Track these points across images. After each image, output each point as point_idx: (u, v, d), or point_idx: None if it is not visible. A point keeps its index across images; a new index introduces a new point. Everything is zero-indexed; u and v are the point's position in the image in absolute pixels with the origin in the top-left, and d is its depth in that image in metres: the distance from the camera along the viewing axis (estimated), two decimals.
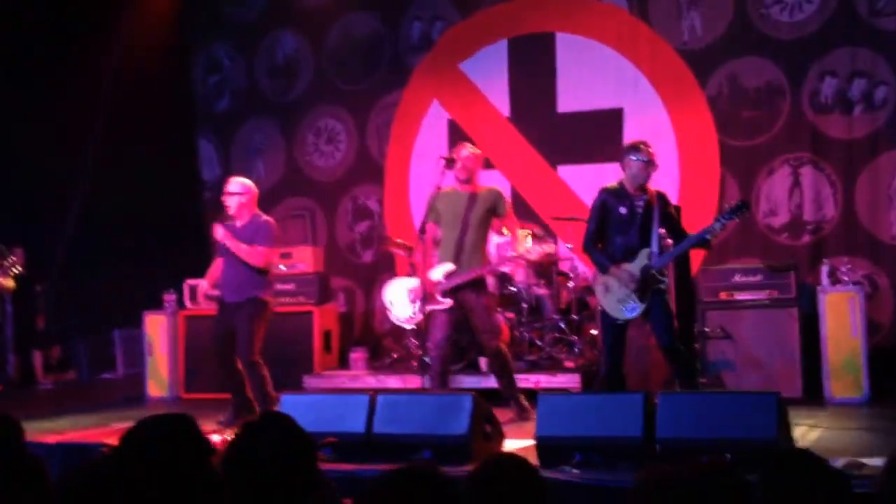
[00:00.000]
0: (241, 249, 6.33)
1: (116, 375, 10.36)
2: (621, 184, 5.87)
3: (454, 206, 6.18)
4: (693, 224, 6.26)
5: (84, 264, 10.26)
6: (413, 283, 6.40)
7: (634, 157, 5.78)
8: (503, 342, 6.53)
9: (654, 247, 5.73)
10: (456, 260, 6.13)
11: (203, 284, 6.88)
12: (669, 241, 5.98)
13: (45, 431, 6.31)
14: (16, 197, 9.42)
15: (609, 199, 5.85)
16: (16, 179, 9.58)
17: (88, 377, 10.50)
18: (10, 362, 10.12)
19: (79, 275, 10.37)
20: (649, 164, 5.77)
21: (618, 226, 5.81)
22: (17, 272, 6.94)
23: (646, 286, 5.69)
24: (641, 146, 5.84)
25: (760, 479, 2.89)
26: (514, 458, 2.44)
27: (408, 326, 6.66)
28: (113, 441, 5.11)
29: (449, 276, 6.13)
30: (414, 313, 6.37)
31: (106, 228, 10.13)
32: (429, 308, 6.15)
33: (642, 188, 5.82)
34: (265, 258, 6.38)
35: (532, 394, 6.67)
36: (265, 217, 6.58)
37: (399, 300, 6.48)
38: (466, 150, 6.30)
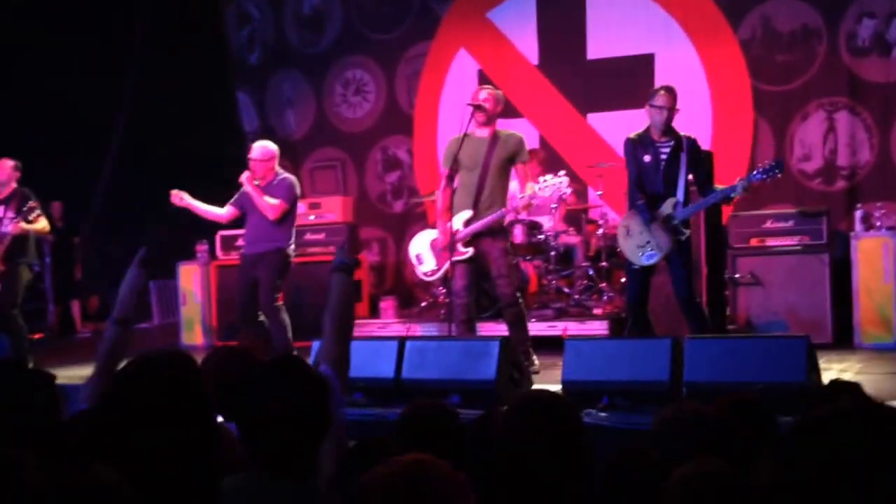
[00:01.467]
0: (259, 198, 6.39)
1: (152, 325, 10.48)
2: (647, 131, 5.74)
3: (473, 150, 5.95)
4: (725, 170, 6.17)
5: (120, 216, 10.36)
6: (435, 234, 6.27)
7: (653, 103, 5.68)
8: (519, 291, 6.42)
9: (681, 195, 5.61)
10: (474, 206, 5.93)
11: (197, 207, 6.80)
12: (697, 191, 5.81)
13: (84, 378, 6.38)
14: (54, 151, 9.48)
15: (636, 146, 5.73)
16: (54, 134, 9.64)
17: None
18: (50, 312, 10.29)
19: (115, 227, 10.47)
20: (665, 109, 5.63)
21: (643, 174, 5.70)
22: (35, 218, 6.96)
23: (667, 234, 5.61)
24: (661, 91, 5.71)
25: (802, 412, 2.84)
26: (551, 394, 2.42)
27: (432, 279, 6.56)
28: None
29: (467, 223, 5.95)
30: (437, 266, 6.28)
31: (142, 180, 10.19)
32: (452, 259, 5.99)
33: (669, 133, 5.69)
34: (279, 211, 6.39)
35: (557, 341, 6.67)
36: (287, 175, 6.61)
37: (425, 254, 6.40)
38: (486, 90, 6.13)
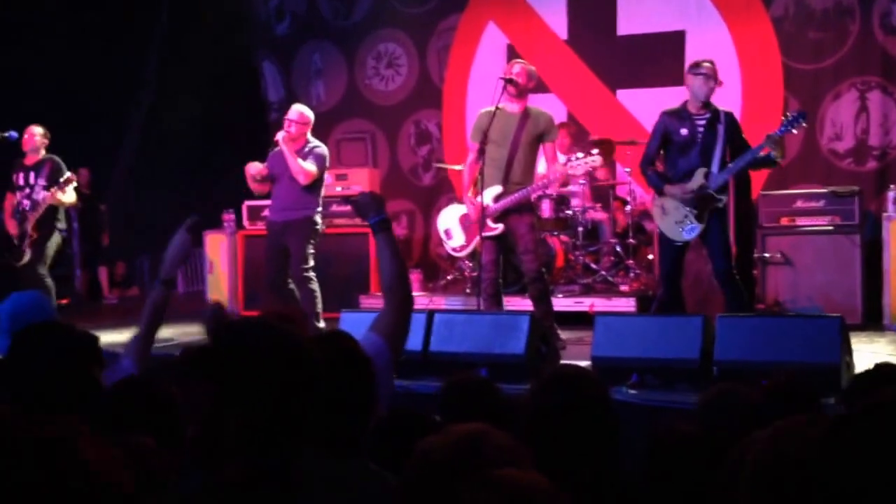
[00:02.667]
0: (293, 160, 6.31)
1: (178, 292, 10.51)
2: (684, 105, 5.66)
3: (504, 124, 5.86)
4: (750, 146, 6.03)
5: (146, 184, 10.36)
6: (464, 209, 6.19)
7: (694, 73, 5.58)
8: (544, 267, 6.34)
9: (715, 167, 5.52)
10: (504, 181, 5.86)
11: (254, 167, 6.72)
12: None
13: (112, 344, 6.42)
14: (81, 118, 9.46)
15: (669, 121, 5.65)
16: (81, 102, 9.62)
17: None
18: (77, 277, 10.32)
19: (141, 194, 10.49)
20: (709, 77, 5.53)
21: (679, 148, 5.61)
22: (71, 188, 6.99)
23: (703, 206, 5.52)
24: (702, 62, 5.63)
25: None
26: (579, 370, 2.37)
27: (461, 255, 6.48)
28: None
29: (497, 198, 5.86)
30: (466, 242, 6.20)
31: (168, 149, 10.19)
32: (482, 235, 5.92)
33: (706, 106, 5.59)
34: (311, 176, 6.33)
35: (583, 317, 6.62)
36: (319, 144, 6.56)
37: (454, 229, 6.33)
38: (519, 65, 6.03)
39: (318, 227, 6.47)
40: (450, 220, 6.37)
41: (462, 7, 9.27)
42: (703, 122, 5.58)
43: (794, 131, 5.54)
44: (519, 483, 1.40)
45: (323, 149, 6.51)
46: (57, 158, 7.19)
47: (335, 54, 9.98)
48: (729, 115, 5.64)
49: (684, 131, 5.58)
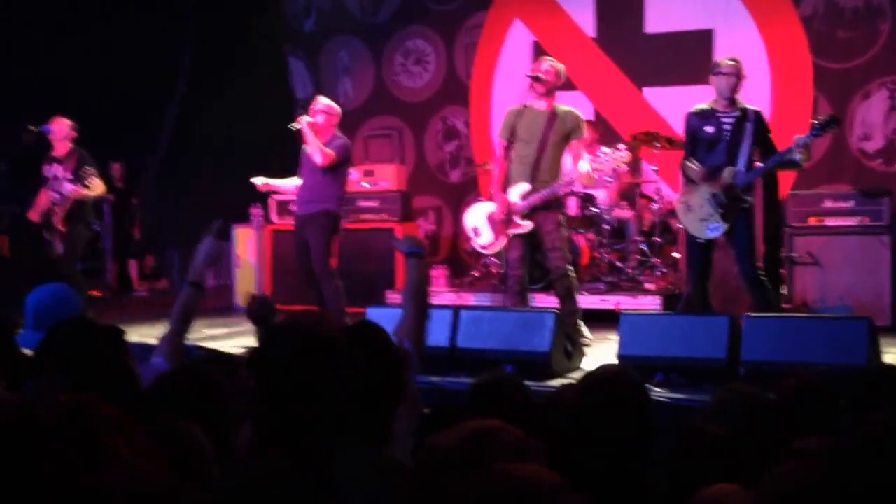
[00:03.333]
0: (313, 140, 6.29)
1: (206, 286, 10.54)
2: (711, 103, 5.58)
3: (531, 122, 5.83)
4: (783, 147, 5.96)
5: (177, 178, 10.42)
6: (492, 207, 6.15)
7: (715, 72, 5.51)
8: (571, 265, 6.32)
9: (741, 165, 5.44)
10: (532, 179, 5.82)
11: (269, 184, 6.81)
12: (759, 163, 5.62)
13: (143, 336, 6.47)
14: (114, 113, 9.53)
15: (695, 119, 5.58)
16: (114, 96, 9.69)
17: (180, 286, 10.71)
18: (108, 270, 10.40)
19: (172, 189, 10.55)
20: (730, 75, 5.45)
21: (705, 146, 5.53)
22: (92, 182, 7.03)
23: (729, 205, 5.45)
24: (720, 61, 5.57)
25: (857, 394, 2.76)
26: (622, 369, 2.39)
27: (489, 252, 6.45)
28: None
29: (525, 196, 5.83)
30: (494, 239, 6.16)
31: (197, 144, 10.24)
32: (510, 232, 5.91)
33: (733, 104, 5.52)
34: (329, 159, 6.28)
35: (608, 315, 6.58)
36: (343, 136, 6.55)
37: (482, 226, 6.28)
38: (547, 62, 5.99)
39: (338, 220, 6.44)
40: (478, 218, 6.32)
41: (488, 4, 9.24)
42: (730, 121, 5.50)
43: (825, 134, 5.47)
44: (526, 477, 1.40)
45: (345, 139, 6.50)
46: (84, 151, 7.21)
47: (363, 51, 9.98)
48: (758, 114, 5.55)
49: (710, 129, 5.51)
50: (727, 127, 5.49)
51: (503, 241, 6.02)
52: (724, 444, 2.33)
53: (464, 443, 1.61)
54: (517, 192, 5.84)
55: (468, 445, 1.60)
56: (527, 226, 5.83)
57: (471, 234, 6.38)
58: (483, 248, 6.35)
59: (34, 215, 7.18)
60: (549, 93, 5.87)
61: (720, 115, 5.52)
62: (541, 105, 5.85)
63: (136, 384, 2.46)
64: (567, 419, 2.32)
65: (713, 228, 5.49)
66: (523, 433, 1.68)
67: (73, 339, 2.45)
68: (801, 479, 1.53)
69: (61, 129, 7.19)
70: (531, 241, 5.97)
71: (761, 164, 5.53)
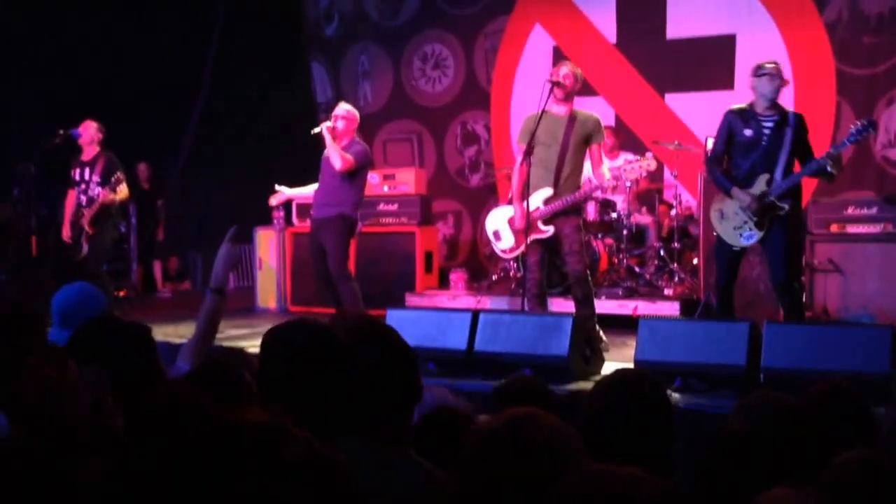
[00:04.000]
0: (333, 146, 6.31)
1: (229, 287, 10.57)
2: (751, 104, 5.42)
3: (551, 127, 5.78)
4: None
5: (201, 180, 10.47)
6: (512, 211, 6.07)
7: (759, 74, 5.35)
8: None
9: (778, 173, 5.30)
10: (554, 184, 5.78)
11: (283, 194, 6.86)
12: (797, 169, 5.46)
13: (167, 335, 6.51)
14: (140, 116, 9.59)
15: (735, 120, 5.42)
16: (139, 100, 9.75)
17: (203, 288, 10.77)
18: (133, 271, 10.46)
19: (196, 191, 10.60)
20: (773, 77, 5.31)
21: (742, 148, 5.40)
22: (119, 188, 7.11)
23: (763, 213, 5.34)
24: (764, 63, 5.41)
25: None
26: (641, 373, 2.39)
27: (510, 256, 6.41)
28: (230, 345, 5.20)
29: (548, 201, 5.78)
30: (515, 244, 6.12)
31: (222, 146, 10.29)
32: (532, 237, 5.84)
33: (774, 107, 5.38)
34: (348, 164, 6.29)
35: (627, 320, 6.52)
36: (362, 142, 6.56)
37: (503, 231, 6.24)
38: (566, 66, 5.94)
39: (354, 224, 6.44)
40: (499, 222, 6.29)
41: (509, 9, 9.23)
42: (769, 125, 5.36)
43: (862, 140, 5.35)
44: (620, 478, 1.40)
45: (365, 146, 6.53)
46: (111, 155, 7.27)
47: (382, 55, 10.00)
48: (798, 118, 5.40)
49: (749, 132, 5.38)
50: (767, 131, 5.34)
51: (523, 245, 5.98)
52: (754, 444, 2.29)
53: (504, 429, 1.64)
54: (539, 196, 5.80)
55: (510, 429, 1.63)
56: (548, 231, 5.79)
57: (491, 237, 6.34)
58: (504, 252, 6.30)
59: (66, 230, 7.28)
60: (567, 97, 5.82)
61: (760, 118, 5.37)
62: (560, 109, 5.81)
63: (163, 378, 2.48)
64: (584, 423, 2.29)
65: (748, 236, 5.40)
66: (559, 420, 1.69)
67: (100, 336, 2.48)
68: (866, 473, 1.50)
69: (88, 133, 7.27)
70: (550, 246, 5.93)
71: (797, 171, 5.42)
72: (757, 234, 5.37)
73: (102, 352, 2.41)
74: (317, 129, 6.42)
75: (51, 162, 7.64)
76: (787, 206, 5.33)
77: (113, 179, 7.06)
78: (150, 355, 2.53)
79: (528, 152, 5.80)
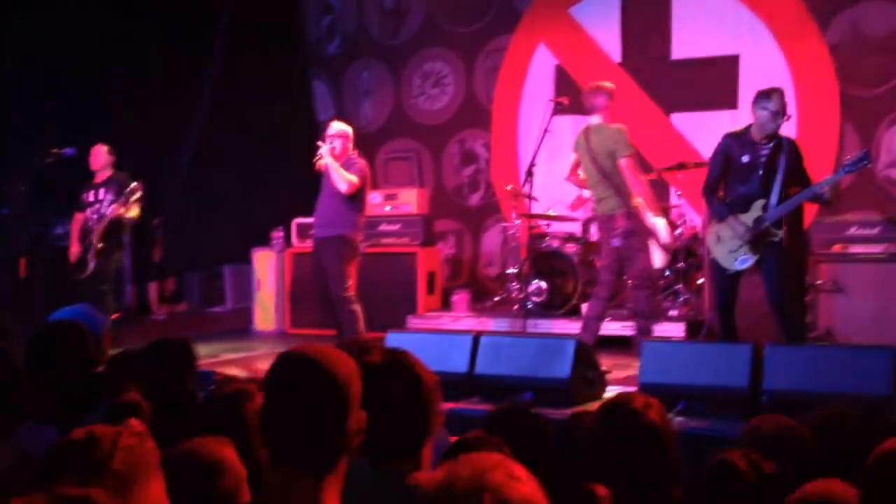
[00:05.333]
0: (336, 170, 6.39)
1: (225, 309, 10.65)
2: (748, 129, 5.56)
3: (604, 142, 6.10)
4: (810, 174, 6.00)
5: (198, 201, 10.54)
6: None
7: (763, 105, 5.45)
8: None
9: (774, 198, 5.42)
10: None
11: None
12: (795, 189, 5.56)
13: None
14: (135, 133, 9.68)
15: (732, 144, 5.56)
16: (137, 119, 9.84)
17: (199, 309, 10.84)
18: (127, 292, 10.50)
19: (193, 211, 10.67)
20: (778, 114, 5.42)
21: (739, 174, 5.53)
22: (138, 202, 7.29)
23: (758, 238, 5.48)
24: (773, 95, 5.47)
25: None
26: (642, 397, 2.41)
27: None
28: (222, 370, 5.27)
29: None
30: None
31: (220, 167, 10.36)
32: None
33: (771, 136, 5.51)
34: (353, 187, 6.39)
35: (631, 342, 6.60)
36: (360, 159, 6.62)
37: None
38: (598, 89, 6.24)
39: (356, 245, 6.50)
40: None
41: (512, 28, 9.36)
42: (766, 151, 5.48)
43: (857, 172, 5.48)
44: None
45: (363, 162, 6.59)
46: (122, 175, 7.40)
47: (383, 73, 10.11)
48: (792, 144, 5.54)
49: (746, 158, 5.50)
50: (763, 157, 5.47)
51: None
52: (754, 478, 2.32)
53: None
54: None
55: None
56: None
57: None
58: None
59: (74, 248, 7.38)
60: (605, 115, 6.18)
61: (758, 144, 5.49)
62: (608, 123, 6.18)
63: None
64: (585, 448, 2.34)
65: (742, 260, 5.52)
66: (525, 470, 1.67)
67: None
68: None
69: (100, 158, 7.45)
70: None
71: (792, 197, 5.53)
72: (752, 259, 5.50)
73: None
74: (320, 160, 6.47)
75: (42, 181, 7.71)
76: (780, 233, 5.46)
77: (127, 192, 7.17)
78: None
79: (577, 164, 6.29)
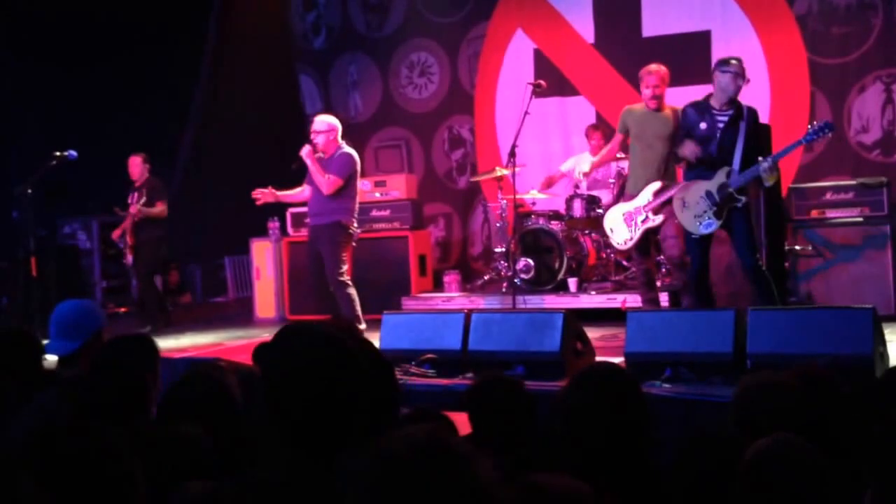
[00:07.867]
0: (316, 173, 6.30)
1: (227, 299, 10.59)
2: (707, 98, 5.54)
3: (651, 124, 5.96)
4: (783, 144, 5.90)
5: (197, 196, 10.44)
6: (628, 207, 6.10)
7: (722, 70, 5.43)
8: None
9: (736, 164, 5.38)
10: (663, 177, 5.93)
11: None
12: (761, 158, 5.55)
13: (170, 349, 6.51)
14: (132, 130, 9.57)
15: (692, 114, 5.56)
16: (132, 114, 9.73)
17: (202, 300, 10.77)
18: (133, 286, 10.42)
19: (193, 205, 10.57)
20: (737, 76, 5.39)
21: (699, 142, 5.49)
22: (154, 203, 8.11)
23: (722, 204, 5.42)
24: (731, 59, 5.48)
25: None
26: (611, 367, 2.34)
27: (626, 248, 6.37)
28: (227, 357, 5.18)
29: (658, 192, 5.91)
30: (631, 237, 6.08)
31: (218, 160, 10.26)
32: (644, 227, 5.97)
33: (731, 103, 5.46)
34: (333, 186, 6.28)
35: (616, 314, 6.52)
36: (347, 150, 6.45)
37: (617, 226, 6.20)
38: (654, 72, 6.06)
39: (350, 231, 6.39)
40: (615, 220, 6.23)
41: (489, 15, 9.22)
42: (724, 119, 5.45)
43: (820, 140, 5.43)
44: (558, 488, 1.36)
45: (348, 154, 6.40)
46: (156, 180, 8.18)
47: (370, 65, 9.98)
48: (752, 112, 5.50)
49: (703, 126, 5.48)
50: (720, 125, 5.45)
51: (636, 239, 6.04)
52: (728, 444, 2.25)
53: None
54: (650, 191, 5.94)
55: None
56: (659, 220, 5.93)
57: (608, 233, 6.31)
58: (619, 244, 6.26)
59: (116, 232, 8.25)
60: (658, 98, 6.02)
61: (715, 112, 5.47)
62: (654, 107, 5.99)
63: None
64: (558, 419, 2.28)
65: (706, 225, 5.48)
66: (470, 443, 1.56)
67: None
68: None
69: (135, 169, 8.17)
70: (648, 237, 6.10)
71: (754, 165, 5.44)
72: (716, 223, 5.45)
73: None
74: (301, 157, 6.34)
75: (47, 184, 7.66)
76: (744, 199, 5.42)
77: (151, 194, 8.00)
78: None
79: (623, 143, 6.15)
